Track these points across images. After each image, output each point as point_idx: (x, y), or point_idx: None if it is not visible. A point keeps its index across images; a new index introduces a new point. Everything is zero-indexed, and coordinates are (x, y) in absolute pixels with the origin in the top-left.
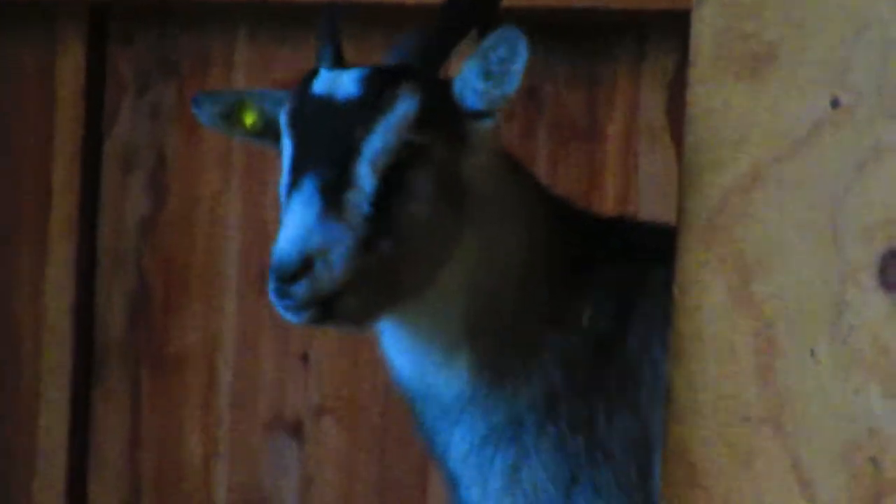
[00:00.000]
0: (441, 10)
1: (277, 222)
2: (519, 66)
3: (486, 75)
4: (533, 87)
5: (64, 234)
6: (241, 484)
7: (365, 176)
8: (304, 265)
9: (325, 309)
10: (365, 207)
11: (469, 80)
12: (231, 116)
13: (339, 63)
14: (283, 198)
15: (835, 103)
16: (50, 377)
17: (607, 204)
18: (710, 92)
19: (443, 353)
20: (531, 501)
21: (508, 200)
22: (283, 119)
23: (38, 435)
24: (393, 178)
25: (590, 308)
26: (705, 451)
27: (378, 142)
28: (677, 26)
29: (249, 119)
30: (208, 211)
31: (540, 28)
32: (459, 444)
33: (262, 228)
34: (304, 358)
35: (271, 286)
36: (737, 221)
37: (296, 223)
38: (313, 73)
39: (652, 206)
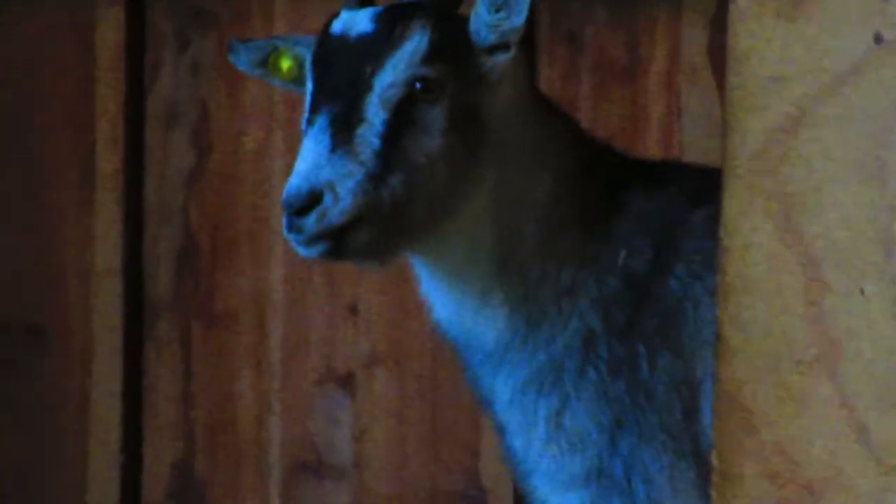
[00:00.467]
0: None
1: None
2: None
3: (496, 7)
4: (573, 30)
5: (109, 191)
6: (294, 438)
7: (375, 110)
8: (312, 198)
9: (337, 243)
10: (375, 142)
11: (481, 14)
12: (268, 63)
13: (364, 4)
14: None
15: (878, 39)
16: (101, 335)
17: (650, 143)
18: (751, 29)
19: (477, 295)
20: (575, 448)
21: (535, 139)
22: (307, 61)
23: (91, 394)
24: (404, 112)
25: (625, 249)
26: (757, 395)
27: (388, 76)
28: None
29: (285, 64)
30: (252, 164)
31: None
32: (503, 389)
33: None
34: (353, 310)
35: (284, 220)
36: (781, 161)
37: (306, 158)
38: (335, 15)
39: (695, 145)
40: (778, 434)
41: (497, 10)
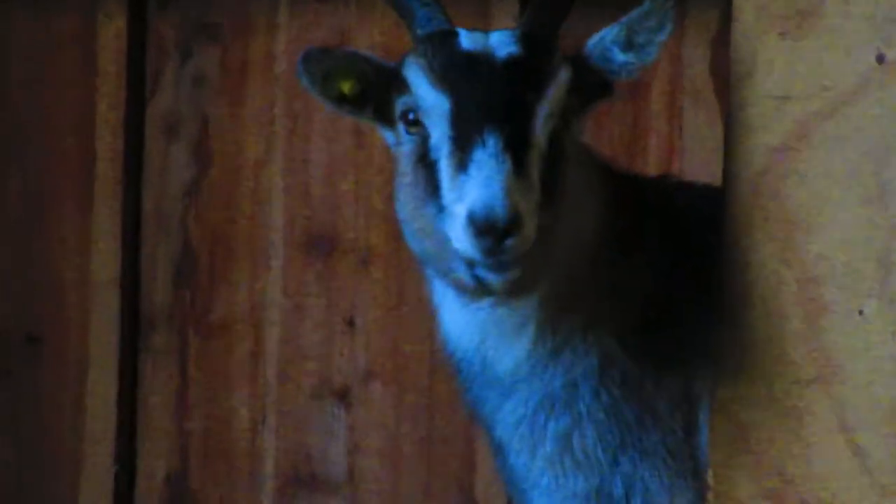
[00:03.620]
0: None
1: (322, 187)
2: (663, 36)
3: (628, 46)
4: (577, 45)
5: (108, 201)
6: (289, 451)
7: (539, 137)
8: (516, 221)
9: (523, 272)
10: (539, 169)
11: (608, 50)
12: (330, 78)
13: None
14: (440, 152)
15: (880, 59)
16: (97, 346)
17: (650, 160)
18: (753, 49)
19: (510, 328)
20: (580, 466)
21: (587, 169)
22: (422, 73)
23: (86, 403)
24: (554, 141)
25: (641, 271)
26: (755, 413)
27: (547, 105)
28: None
29: (347, 86)
30: (252, 177)
31: None
32: (510, 414)
33: (306, 194)
34: (351, 323)
35: (479, 244)
36: (782, 180)
37: (496, 179)
38: (449, 33)
39: (695, 163)
40: (775, 453)
41: (629, 49)
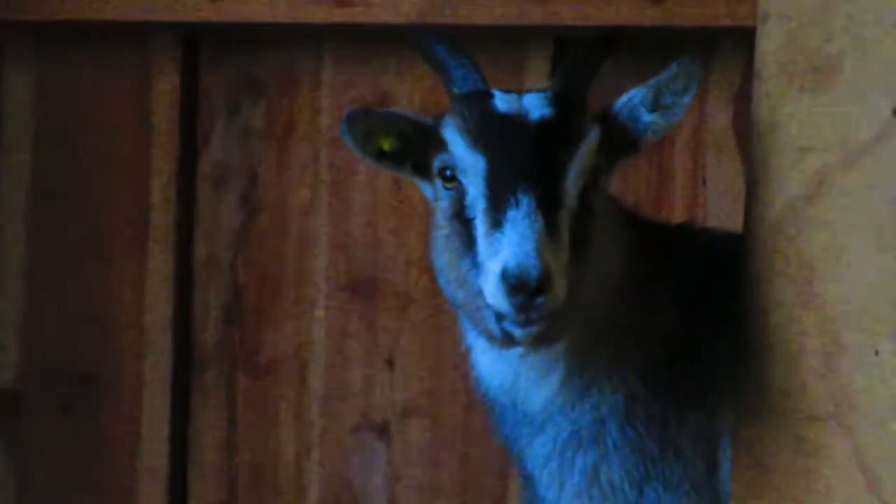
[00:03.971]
0: (578, 45)
1: (363, 234)
2: (689, 98)
3: (655, 106)
4: (605, 100)
5: (162, 247)
6: (332, 482)
7: (570, 196)
8: (547, 280)
9: (550, 327)
10: (568, 228)
11: (635, 111)
12: (371, 136)
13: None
14: (476, 209)
15: None
16: (151, 383)
17: (676, 211)
18: (775, 104)
19: (539, 370)
20: (606, 498)
21: (614, 220)
22: (458, 133)
23: (140, 438)
24: (584, 200)
25: (663, 314)
26: (775, 450)
27: (578, 164)
28: (743, 42)
29: (387, 143)
30: (297, 225)
31: (611, 42)
32: (540, 449)
33: (349, 241)
34: (390, 362)
35: (512, 301)
36: (801, 227)
37: (528, 238)
38: (484, 94)
39: (718, 216)
40: (794, 488)
41: (655, 109)
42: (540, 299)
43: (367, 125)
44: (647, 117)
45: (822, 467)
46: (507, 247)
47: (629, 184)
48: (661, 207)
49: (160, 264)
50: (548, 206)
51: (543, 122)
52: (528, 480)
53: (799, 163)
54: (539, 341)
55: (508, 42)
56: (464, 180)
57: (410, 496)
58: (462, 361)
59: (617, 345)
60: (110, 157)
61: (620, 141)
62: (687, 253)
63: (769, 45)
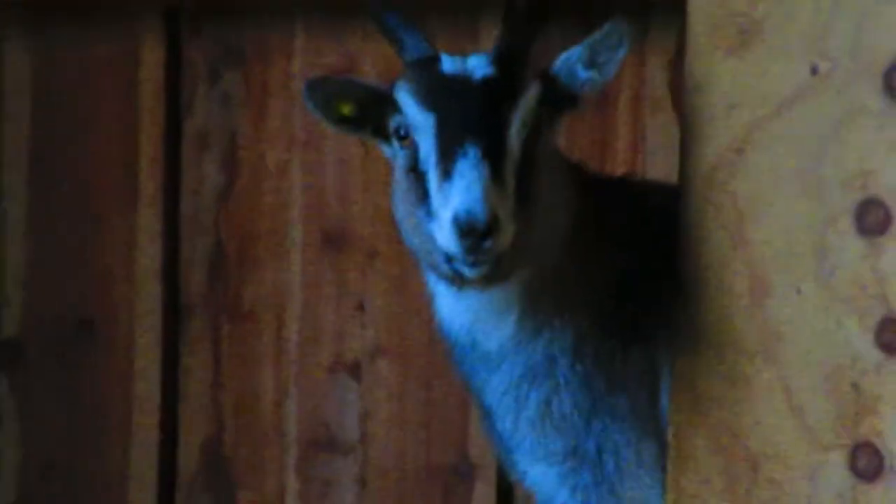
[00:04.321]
0: (518, 7)
1: (335, 191)
2: (621, 54)
3: (591, 64)
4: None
5: (150, 205)
6: (308, 419)
7: (514, 145)
8: (494, 223)
9: (494, 267)
10: (515, 175)
11: (573, 68)
12: (330, 102)
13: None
14: (428, 163)
15: (814, 70)
16: (142, 330)
17: (618, 164)
18: (704, 65)
19: (497, 311)
20: (557, 428)
21: (558, 167)
22: (410, 95)
23: (133, 380)
24: (527, 150)
25: (608, 258)
26: (708, 381)
27: (521, 117)
28: (676, 10)
29: (346, 109)
30: (274, 182)
31: (559, 12)
32: (497, 385)
33: (322, 196)
34: (360, 307)
35: (462, 244)
36: (731, 176)
37: (475, 186)
38: (432, 59)
39: (656, 167)
40: (726, 415)
41: (591, 67)
42: (488, 242)
43: (325, 92)
44: (583, 74)
45: (751, 397)
46: (456, 195)
47: (576, 141)
48: (604, 162)
49: (149, 220)
50: (493, 156)
51: (486, 80)
52: (487, 413)
53: (728, 118)
54: (487, 280)
55: (463, 9)
56: (416, 138)
57: (380, 429)
58: (425, 307)
59: (566, 288)
60: (102, 123)
61: (561, 97)
62: (628, 202)
63: (699, 12)
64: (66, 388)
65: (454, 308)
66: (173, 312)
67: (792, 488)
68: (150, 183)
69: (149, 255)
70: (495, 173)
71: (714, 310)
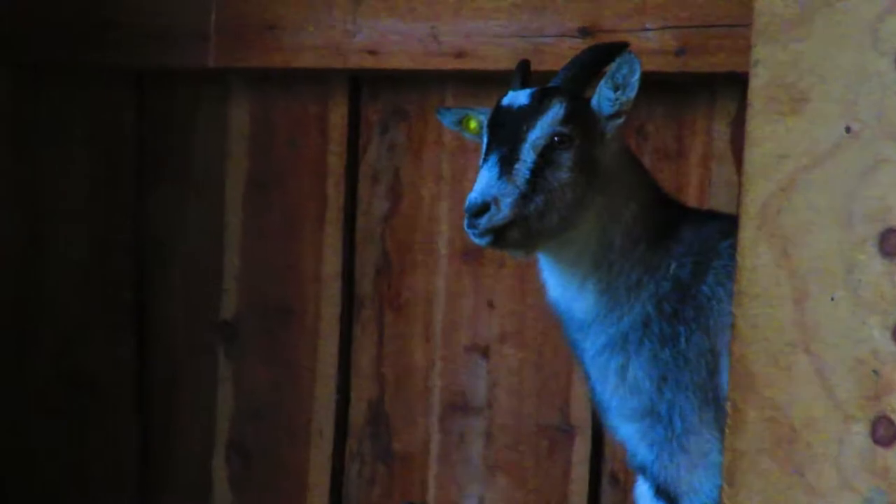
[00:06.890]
0: (582, 54)
1: None
2: (636, 77)
3: (615, 87)
4: (640, 125)
5: (334, 223)
6: (449, 387)
7: (527, 153)
8: (484, 207)
9: (497, 237)
10: (526, 173)
11: (603, 92)
12: (461, 123)
13: (524, 86)
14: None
15: (848, 130)
16: (327, 316)
17: (690, 203)
18: (761, 125)
19: (578, 282)
20: (633, 392)
21: (628, 179)
22: (484, 123)
23: (318, 353)
24: (546, 155)
25: (675, 262)
26: (759, 365)
27: (537, 131)
28: (737, 82)
29: (472, 125)
30: (426, 208)
31: (645, 83)
32: (589, 350)
33: (462, 222)
34: (490, 304)
35: (466, 220)
36: (779, 211)
37: (481, 181)
38: (505, 94)
39: (719, 207)
40: (772, 392)
41: (616, 89)
42: (479, 220)
43: (451, 115)
44: (611, 95)
45: (792, 379)
46: (474, 187)
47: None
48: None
49: (333, 235)
50: (506, 162)
51: (520, 108)
52: (587, 375)
53: (778, 166)
54: (493, 244)
55: None
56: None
57: (503, 396)
58: (537, 305)
59: (636, 275)
60: (300, 162)
61: (596, 115)
62: (696, 219)
63: (758, 83)
64: (267, 359)
65: (552, 283)
66: (349, 304)
67: (824, 450)
68: (334, 207)
69: (332, 261)
70: (504, 173)
71: (763, 311)
